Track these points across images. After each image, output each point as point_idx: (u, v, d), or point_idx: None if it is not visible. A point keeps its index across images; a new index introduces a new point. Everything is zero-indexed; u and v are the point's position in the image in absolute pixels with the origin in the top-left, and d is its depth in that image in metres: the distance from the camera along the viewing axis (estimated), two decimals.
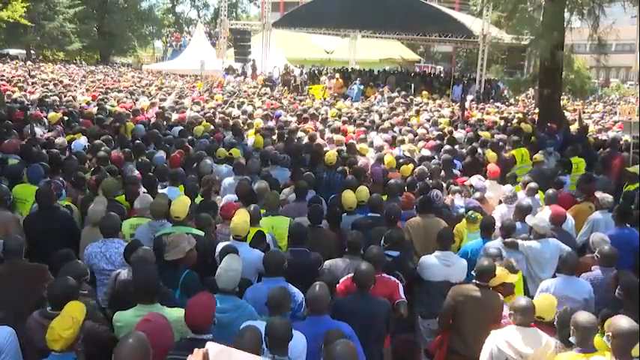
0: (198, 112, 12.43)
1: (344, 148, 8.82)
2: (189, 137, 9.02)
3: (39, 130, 8.91)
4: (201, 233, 4.74)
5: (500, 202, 6.65)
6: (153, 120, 10.73)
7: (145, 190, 5.90)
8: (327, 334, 3.19)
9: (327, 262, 4.50)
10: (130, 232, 5.02)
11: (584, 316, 3.37)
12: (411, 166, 7.80)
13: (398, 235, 4.88)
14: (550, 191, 6.50)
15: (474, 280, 4.22)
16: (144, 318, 3.26)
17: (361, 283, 3.91)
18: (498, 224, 5.60)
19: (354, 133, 10.78)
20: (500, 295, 4.17)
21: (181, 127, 9.92)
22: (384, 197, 6.28)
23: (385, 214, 5.46)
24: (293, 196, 6.31)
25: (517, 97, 23.54)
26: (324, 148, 8.61)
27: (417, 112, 14.64)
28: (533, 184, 6.92)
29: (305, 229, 4.84)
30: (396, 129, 11.31)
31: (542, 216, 5.82)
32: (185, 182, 6.27)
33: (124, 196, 5.76)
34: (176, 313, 3.48)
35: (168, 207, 4.91)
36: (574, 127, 12.27)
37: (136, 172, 6.60)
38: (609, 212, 6.04)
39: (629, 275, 4.31)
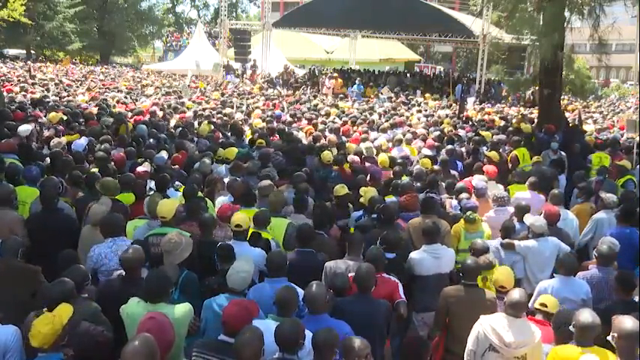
0: (196, 112, 12.40)
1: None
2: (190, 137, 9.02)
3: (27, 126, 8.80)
4: (187, 234, 4.54)
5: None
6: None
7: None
8: (316, 335, 3.14)
9: (327, 264, 4.50)
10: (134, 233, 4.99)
11: (585, 315, 3.36)
12: (428, 160, 7.93)
13: (394, 236, 4.85)
14: (555, 191, 6.49)
15: (462, 280, 4.25)
16: (148, 316, 3.23)
17: (362, 285, 3.90)
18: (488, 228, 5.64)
19: (354, 132, 10.78)
20: (487, 291, 4.19)
21: (183, 128, 9.90)
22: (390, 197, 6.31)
23: (382, 215, 5.41)
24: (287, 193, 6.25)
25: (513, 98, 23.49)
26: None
27: (417, 112, 14.64)
28: (533, 179, 6.98)
29: (312, 229, 4.84)
30: (396, 129, 11.30)
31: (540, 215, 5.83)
32: (185, 183, 6.22)
33: (127, 194, 5.67)
34: (180, 310, 3.48)
35: None
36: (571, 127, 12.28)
37: (146, 166, 6.64)
38: (613, 212, 6.00)
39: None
